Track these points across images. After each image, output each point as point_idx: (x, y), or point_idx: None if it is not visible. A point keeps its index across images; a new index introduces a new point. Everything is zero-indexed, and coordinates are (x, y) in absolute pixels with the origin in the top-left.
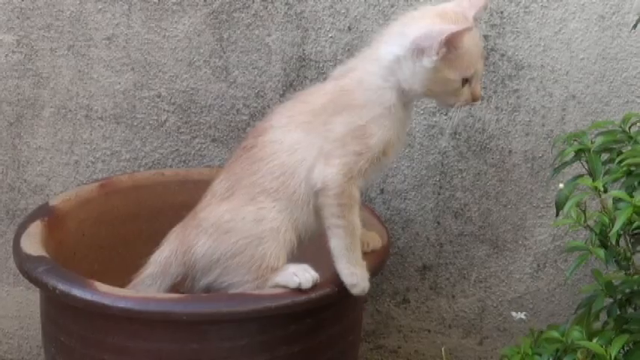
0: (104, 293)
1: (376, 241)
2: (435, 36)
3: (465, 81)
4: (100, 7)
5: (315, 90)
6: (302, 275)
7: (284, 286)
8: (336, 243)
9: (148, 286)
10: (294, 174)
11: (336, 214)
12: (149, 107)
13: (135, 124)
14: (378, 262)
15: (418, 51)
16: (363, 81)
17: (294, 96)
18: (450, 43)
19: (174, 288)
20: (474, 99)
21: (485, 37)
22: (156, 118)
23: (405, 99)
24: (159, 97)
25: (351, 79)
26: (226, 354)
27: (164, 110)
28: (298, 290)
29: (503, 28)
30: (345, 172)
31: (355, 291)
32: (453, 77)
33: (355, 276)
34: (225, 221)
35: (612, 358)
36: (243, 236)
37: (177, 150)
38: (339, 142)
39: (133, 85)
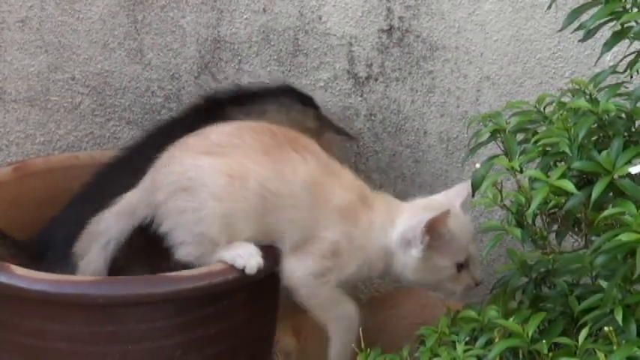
0: (20, 276)
1: None
2: (416, 226)
3: (461, 266)
4: None
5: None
6: (248, 260)
7: (230, 264)
8: (331, 342)
9: (114, 223)
10: (269, 223)
11: (316, 313)
12: (63, 90)
13: (49, 106)
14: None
15: (405, 243)
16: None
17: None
18: (432, 229)
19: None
20: (476, 283)
21: (400, 18)
22: (70, 100)
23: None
24: (73, 79)
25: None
26: (143, 336)
27: (78, 93)
28: (219, 272)
29: (418, 10)
30: (317, 274)
31: None
32: (444, 264)
33: None
34: (187, 177)
35: (529, 336)
36: (195, 201)
37: (91, 133)
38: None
39: (47, 67)
